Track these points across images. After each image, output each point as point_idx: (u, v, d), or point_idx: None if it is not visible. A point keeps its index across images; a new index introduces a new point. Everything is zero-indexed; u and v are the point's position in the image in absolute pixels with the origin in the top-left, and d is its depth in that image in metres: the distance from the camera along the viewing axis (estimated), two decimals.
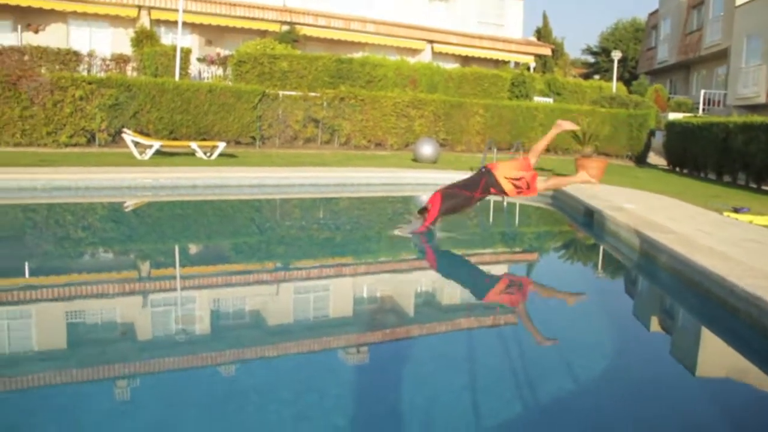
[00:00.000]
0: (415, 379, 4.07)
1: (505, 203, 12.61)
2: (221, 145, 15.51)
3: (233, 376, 4.26)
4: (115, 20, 25.54)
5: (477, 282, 6.75)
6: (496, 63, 32.30)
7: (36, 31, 23.77)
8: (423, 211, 7.76)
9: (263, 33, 26.55)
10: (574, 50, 78.69)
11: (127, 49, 23.03)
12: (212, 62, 23.52)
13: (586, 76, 43.34)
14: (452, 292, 6.51)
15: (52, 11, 24.63)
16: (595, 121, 17.42)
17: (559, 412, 3.73)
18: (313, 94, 19.59)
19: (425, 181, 14.42)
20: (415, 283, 6.68)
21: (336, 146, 19.96)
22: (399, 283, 6.51)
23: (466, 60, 31.65)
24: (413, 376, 4.14)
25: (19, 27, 23.29)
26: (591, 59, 55.28)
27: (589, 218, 9.70)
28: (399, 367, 4.33)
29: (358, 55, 24.99)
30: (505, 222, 11.38)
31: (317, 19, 27.75)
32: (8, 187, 11.04)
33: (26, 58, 18.37)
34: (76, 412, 3.58)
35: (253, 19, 26.49)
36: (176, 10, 24.10)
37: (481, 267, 7.62)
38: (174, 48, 20.42)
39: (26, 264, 6.94)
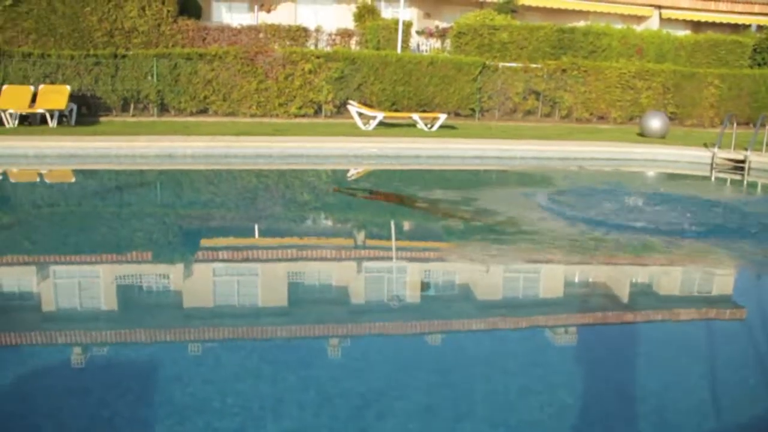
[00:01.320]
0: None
1: (745, 183, 11.39)
2: (442, 117, 15.49)
3: (463, 344, 4.08)
4: None
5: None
6: (735, 27, 29.32)
7: (268, 11, 25.28)
8: None
9: (481, 4, 26.13)
10: None
11: (350, 24, 23.74)
12: (431, 35, 23.58)
13: None
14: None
15: None
16: None
17: None
18: (533, 65, 18.98)
19: (654, 156, 13.41)
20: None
21: (556, 119, 19.23)
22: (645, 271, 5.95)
23: (698, 26, 29.06)
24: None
25: (256, 7, 24.91)
26: None
27: None
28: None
29: (580, 24, 23.85)
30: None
31: None
32: (248, 154, 11.78)
33: (261, 35, 19.56)
34: (300, 366, 3.56)
35: None
36: None
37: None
38: (394, 21, 20.70)
39: (257, 225, 7.27)
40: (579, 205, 7.94)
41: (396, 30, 19.85)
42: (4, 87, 15.49)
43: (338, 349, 3.97)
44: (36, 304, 4.76)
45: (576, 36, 21.45)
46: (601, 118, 19.44)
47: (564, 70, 18.86)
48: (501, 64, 18.74)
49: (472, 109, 18.26)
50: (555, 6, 26.88)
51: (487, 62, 18.37)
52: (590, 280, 5.66)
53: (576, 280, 5.65)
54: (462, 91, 17.82)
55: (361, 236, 7.15)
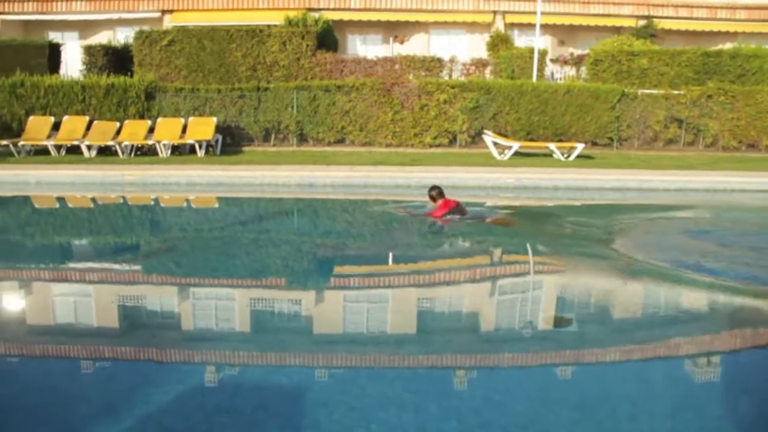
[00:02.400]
0: None
1: None
2: (579, 147, 15.17)
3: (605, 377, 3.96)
4: (472, 27, 26.62)
5: None
6: None
7: (402, 42, 25.81)
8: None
9: (617, 29, 25.50)
10: None
11: (482, 53, 23.80)
12: (565, 62, 23.23)
13: None
14: None
15: (416, 23, 26.57)
16: None
17: None
18: (676, 92, 18.20)
19: None
20: None
21: (700, 148, 18.31)
22: None
23: None
24: None
25: (391, 39, 25.53)
26: None
27: None
28: None
29: (726, 46, 22.72)
30: None
31: (678, 10, 25.83)
32: (386, 183, 12.01)
33: (396, 66, 19.98)
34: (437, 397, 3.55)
35: (608, 15, 25.57)
36: (529, 13, 24.32)
37: None
38: (529, 50, 20.58)
39: (393, 252, 7.37)
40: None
41: (530, 58, 19.71)
42: (159, 120, 16.67)
43: (478, 380, 3.96)
44: (177, 324, 5.05)
45: (722, 59, 20.43)
46: (752, 146, 18.33)
47: (709, 96, 17.96)
48: (640, 91, 18.11)
49: (610, 138, 17.73)
50: (698, 29, 25.78)
51: (625, 90, 17.83)
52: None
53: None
54: (599, 120, 17.37)
55: (495, 260, 7.12)
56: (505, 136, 16.46)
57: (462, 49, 25.67)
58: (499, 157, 14.96)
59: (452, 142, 17.35)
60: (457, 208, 8.22)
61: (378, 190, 11.84)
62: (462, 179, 12.09)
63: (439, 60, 20.42)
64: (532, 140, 16.76)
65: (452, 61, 20.69)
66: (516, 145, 15.13)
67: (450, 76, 20.45)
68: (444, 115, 17.05)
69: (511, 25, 26.09)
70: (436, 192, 8.27)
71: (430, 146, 17.14)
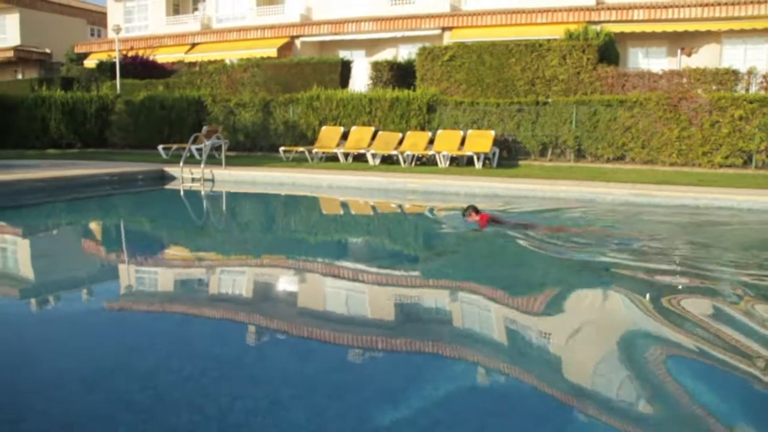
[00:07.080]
0: None
1: None
2: None
3: None
4: None
5: None
6: None
7: (689, 54, 24.20)
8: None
9: None
10: None
11: None
12: None
13: None
14: None
15: (706, 33, 24.79)
16: None
17: None
18: None
19: None
20: None
21: None
22: None
23: None
24: None
25: (678, 51, 24.06)
26: None
27: None
28: None
29: None
30: None
31: None
32: (670, 204, 11.36)
33: (684, 80, 18.69)
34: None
35: None
36: None
37: None
38: None
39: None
40: None
41: None
42: (439, 132, 17.42)
43: None
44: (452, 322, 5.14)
45: None
46: None
47: None
48: None
49: None
50: None
51: None
52: None
53: None
54: None
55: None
56: None
57: (760, 59, 23.41)
58: None
59: (747, 162, 15.77)
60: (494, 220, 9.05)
61: (663, 210, 11.18)
62: (753, 203, 11.00)
63: (735, 72, 18.68)
64: None
65: (750, 73, 18.80)
66: None
67: (747, 89, 18.63)
68: (738, 133, 15.58)
69: None
70: (472, 209, 9.03)
71: (720, 166, 15.75)
